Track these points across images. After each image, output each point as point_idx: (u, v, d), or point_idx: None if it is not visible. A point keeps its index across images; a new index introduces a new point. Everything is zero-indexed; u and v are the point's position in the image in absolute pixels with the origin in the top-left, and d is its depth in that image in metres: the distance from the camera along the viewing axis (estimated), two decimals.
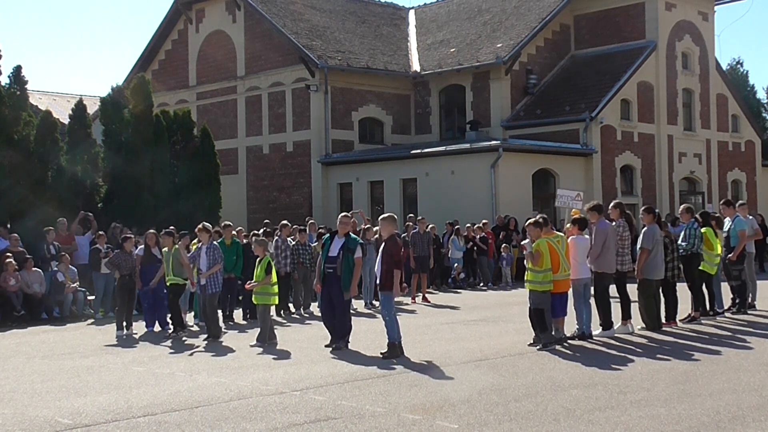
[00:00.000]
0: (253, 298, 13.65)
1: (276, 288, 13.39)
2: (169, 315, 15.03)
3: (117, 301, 15.91)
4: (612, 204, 13.84)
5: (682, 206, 15.74)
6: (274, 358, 11.83)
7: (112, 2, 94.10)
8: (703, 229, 14.86)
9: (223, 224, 17.81)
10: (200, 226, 14.45)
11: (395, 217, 12.30)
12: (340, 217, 12.92)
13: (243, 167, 33.23)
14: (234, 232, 17.25)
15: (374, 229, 18.24)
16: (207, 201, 25.10)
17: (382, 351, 11.51)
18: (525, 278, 12.24)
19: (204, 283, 13.99)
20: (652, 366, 10.48)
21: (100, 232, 19.51)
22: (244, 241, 17.66)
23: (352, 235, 12.57)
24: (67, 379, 10.66)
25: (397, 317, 11.87)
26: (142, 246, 16.29)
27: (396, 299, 12.13)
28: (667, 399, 8.59)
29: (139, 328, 15.64)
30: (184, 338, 14.28)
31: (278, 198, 32.04)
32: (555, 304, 12.20)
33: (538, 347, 11.74)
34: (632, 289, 13.51)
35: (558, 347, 11.87)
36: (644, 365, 10.52)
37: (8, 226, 19.85)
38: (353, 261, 12.20)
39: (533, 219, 12.44)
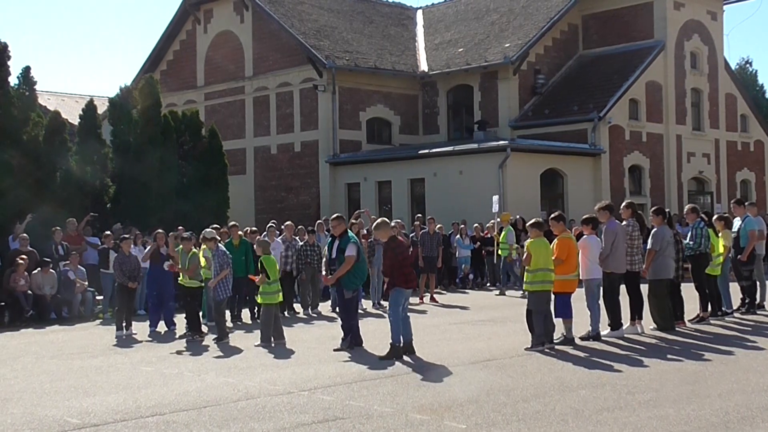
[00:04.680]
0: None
1: (274, 287, 13.33)
2: (186, 317, 14.86)
3: (116, 302, 15.92)
4: (624, 204, 13.82)
5: (687, 206, 15.70)
6: (281, 359, 11.84)
7: (120, 3, 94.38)
8: None
9: (230, 225, 17.84)
10: (203, 235, 14.50)
11: (387, 220, 12.31)
12: (330, 221, 13.08)
13: (251, 167, 33.27)
14: (240, 233, 17.28)
15: None
16: (215, 201, 25.12)
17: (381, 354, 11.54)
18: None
19: (213, 288, 14.02)
20: (661, 366, 10.45)
21: (108, 232, 19.55)
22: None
23: (350, 233, 12.66)
24: (76, 379, 10.69)
25: (409, 317, 11.88)
26: (149, 247, 16.36)
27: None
28: (676, 399, 8.57)
29: (144, 328, 15.65)
30: (198, 338, 14.21)
31: (286, 198, 32.06)
32: (566, 304, 12.18)
33: (525, 348, 11.75)
34: (645, 290, 13.49)
35: (564, 348, 11.85)
36: (653, 365, 10.49)
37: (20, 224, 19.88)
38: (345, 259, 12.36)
39: (533, 219, 12.46)
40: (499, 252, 21.98)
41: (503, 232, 21.86)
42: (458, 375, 10.11)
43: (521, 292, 20.82)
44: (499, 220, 22.44)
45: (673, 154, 32.28)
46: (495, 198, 23.03)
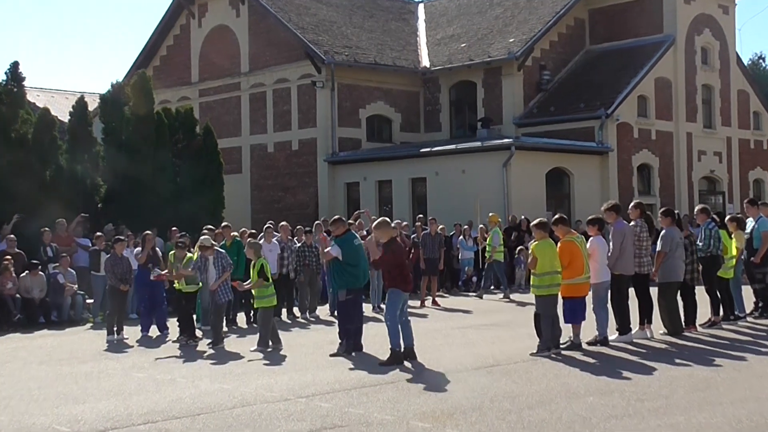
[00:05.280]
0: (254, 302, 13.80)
1: (273, 289, 13.38)
2: (179, 321, 14.86)
3: (108, 305, 15.93)
4: (632, 204, 13.80)
5: (697, 207, 15.66)
6: (278, 364, 11.83)
7: None
8: None
9: (222, 225, 17.86)
10: (200, 243, 14.51)
11: (388, 220, 12.28)
12: (330, 224, 13.20)
13: (247, 166, 33.27)
14: (236, 233, 17.28)
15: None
16: (210, 201, 25.10)
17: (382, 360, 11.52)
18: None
19: (215, 291, 14.06)
20: (671, 372, 10.43)
21: (99, 233, 19.54)
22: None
23: (351, 234, 12.64)
24: (65, 386, 10.68)
25: (410, 321, 11.87)
26: (138, 248, 16.41)
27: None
28: (687, 407, 8.54)
29: (136, 332, 15.65)
30: (192, 343, 14.21)
31: (283, 198, 32.05)
32: (575, 309, 12.15)
33: (530, 353, 11.73)
34: (654, 292, 13.47)
35: (571, 353, 11.83)
36: (663, 372, 10.47)
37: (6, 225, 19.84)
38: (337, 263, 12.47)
39: (537, 220, 12.42)
40: (486, 255, 22.00)
41: (490, 234, 21.83)
42: (461, 381, 10.09)
43: (501, 296, 21.02)
44: (487, 222, 22.41)
45: (683, 152, 32.26)
46: (479, 202, 23.38)
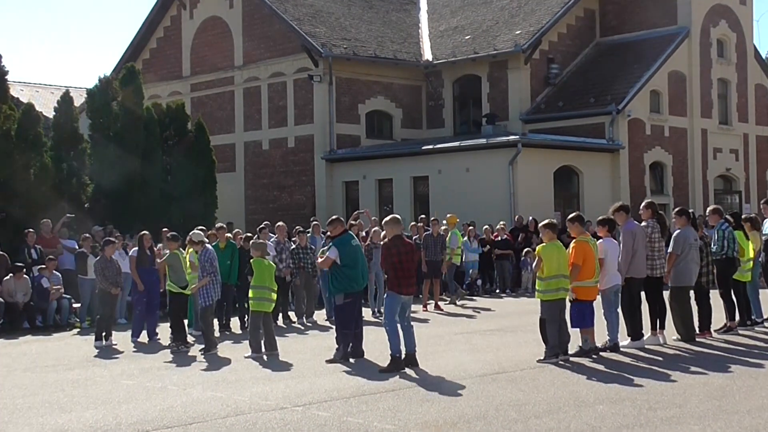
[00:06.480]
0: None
1: (267, 293, 13.38)
2: (171, 326, 14.90)
3: (97, 309, 15.95)
4: (644, 203, 13.80)
5: (709, 208, 15.65)
6: (274, 371, 11.86)
7: None
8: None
9: (216, 226, 17.88)
10: (189, 238, 14.58)
11: (398, 217, 12.31)
12: (327, 225, 13.31)
13: (241, 164, 33.33)
14: (229, 234, 17.29)
15: (382, 233, 18.21)
16: (202, 201, 25.13)
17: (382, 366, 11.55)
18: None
19: (195, 294, 14.09)
20: (685, 380, 10.46)
21: (86, 235, 19.55)
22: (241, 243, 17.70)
23: (349, 234, 12.73)
24: (51, 394, 10.70)
25: (412, 327, 11.90)
26: (135, 248, 16.47)
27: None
28: (702, 416, 8.57)
29: (124, 338, 15.68)
30: (184, 349, 14.25)
31: (279, 197, 32.10)
32: (583, 312, 12.18)
33: (537, 359, 11.76)
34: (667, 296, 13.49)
35: (580, 360, 11.86)
36: (676, 379, 10.50)
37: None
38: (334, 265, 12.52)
39: (545, 220, 12.43)
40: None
41: (449, 236, 21.75)
42: (465, 389, 10.12)
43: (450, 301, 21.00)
44: (444, 223, 22.34)
45: (698, 150, 32.31)
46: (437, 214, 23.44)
